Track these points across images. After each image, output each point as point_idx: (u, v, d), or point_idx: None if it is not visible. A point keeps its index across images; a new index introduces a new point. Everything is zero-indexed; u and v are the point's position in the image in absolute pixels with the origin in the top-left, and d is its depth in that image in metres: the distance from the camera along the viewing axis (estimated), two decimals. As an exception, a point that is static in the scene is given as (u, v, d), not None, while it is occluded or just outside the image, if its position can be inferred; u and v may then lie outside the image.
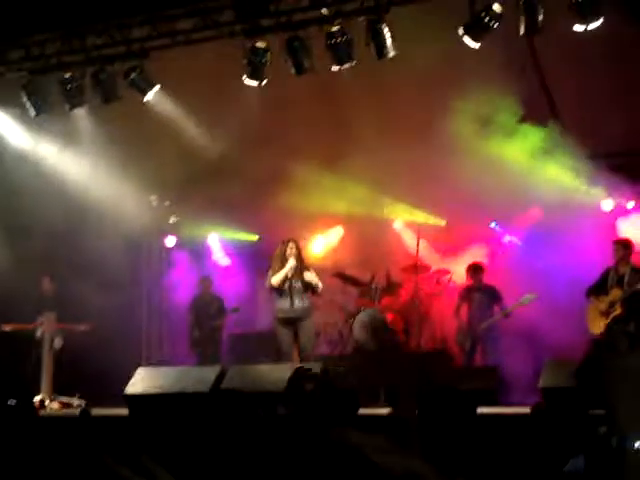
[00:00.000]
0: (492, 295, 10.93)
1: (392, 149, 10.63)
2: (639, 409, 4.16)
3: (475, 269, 11.13)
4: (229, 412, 4.13)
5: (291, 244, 9.76)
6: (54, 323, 10.68)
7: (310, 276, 9.71)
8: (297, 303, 9.67)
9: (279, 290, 9.70)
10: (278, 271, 9.67)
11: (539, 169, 10.86)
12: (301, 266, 9.74)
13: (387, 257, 12.35)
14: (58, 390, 10.47)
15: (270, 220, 12.16)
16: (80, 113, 10.20)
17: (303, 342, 9.64)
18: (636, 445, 4.14)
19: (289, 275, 9.64)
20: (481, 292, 10.96)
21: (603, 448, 4.16)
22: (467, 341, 10.80)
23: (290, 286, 9.67)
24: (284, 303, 9.69)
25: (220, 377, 8.64)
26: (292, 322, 9.67)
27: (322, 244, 13.07)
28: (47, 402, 10.19)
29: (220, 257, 13.86)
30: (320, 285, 9.77)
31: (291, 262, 9.62)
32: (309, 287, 9.71)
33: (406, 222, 12.76)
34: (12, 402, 4.34)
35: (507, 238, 12.21)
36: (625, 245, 9.79)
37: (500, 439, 4.40)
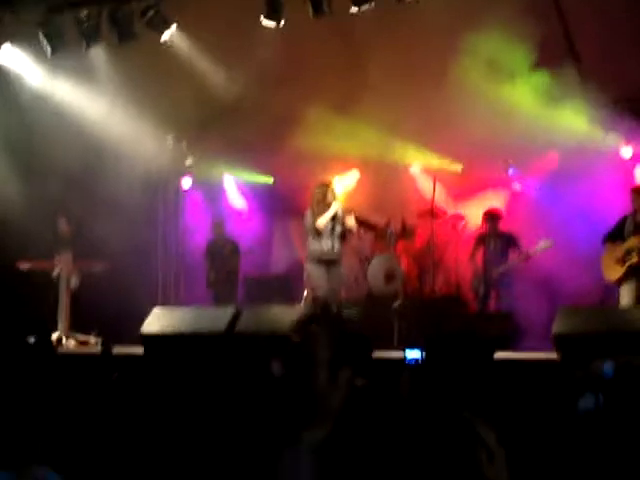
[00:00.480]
0: (508, 241, 10.87)
1: (407, 93, 10.58)
2: None
3: (491, 216, 11.05)
4: (242, 356, 4.17)
5: (332, 187, 9.96)
6: (71, 263, 10.75)
7: (351, 221, 9.86)
8: (337, 246, 9.86)
9: (319, 232, 9.79)
10: (320, 214, 9.75)
11: (555, 114, 10.74)
12: (343, 210, 9.89)
13: (403, 202, 12.30)
14: (75, 328, 10.59)
15: (286, 163, 12.13)
16: (97, 52, 10.14)
17: (336, 285, 9.90)
18: None
19: (333, 218, 9.78)
20: (497, 238, 10.91)
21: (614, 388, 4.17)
22: (481, 286, 10.80)
23: (333, 228, 9.80)
24: (325, 245, 9.81)
25: (235, 318, 8.70)
26: (328, 264, 9.82)
27: (338, 187, 13.03)
28: (64, 340, 10.31)
29: (235, 199, 13.84)
30: (354, 231, 10.05)
31: (336, 205, 9.77)
32: (347, 232, 9.91)
33: (422, 167, 12.69)
34: (31, 340, 4.39)
35: (517, 186, 12.12)
36: (643, 193, 9.70)
37: (514, 385, 4.42)
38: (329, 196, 9.81)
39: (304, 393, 3.34)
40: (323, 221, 9.74)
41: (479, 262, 10.97)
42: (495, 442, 2.52)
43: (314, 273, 9.91)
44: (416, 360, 7.04)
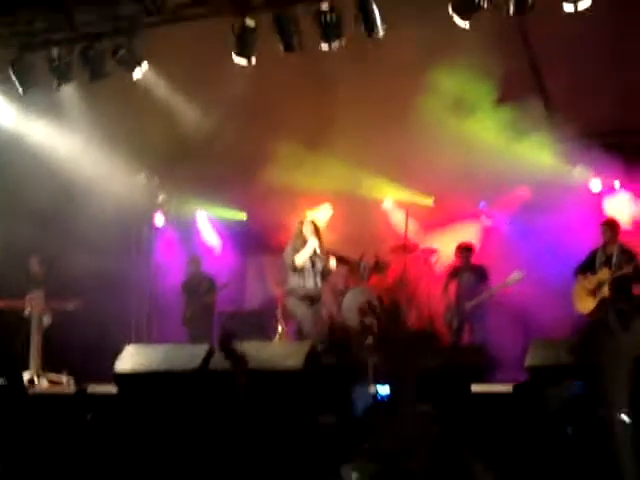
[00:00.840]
0: (481, 274, 10.96)
1: (375, 128, 10.69)
2: (624, 384, 4.23)
3: (464, 249, 11.14)
4: (216, 391, 4.16)
5: (308, 222, 9.84)
6: (42, 301, 10.66)
7: (333, 263, 9.80)
8: (319, 283, 9.79)
9: (303, 269, 9.70)
10: (299, 250, 9.67)
11: (522, 148, 10.87)
12: (322, 247, 9.78)
13: (375, 236, 12.36)
14: (47, 367, 10.48)
15: (258, 198, 12.16)
16: (68, 90, 10.13)
17: (318, 321, 9.87)
18: (622, 416, 4.23)
19: (313, 254, 9.70)
20: (469, 271, 11.00)
21: (590, 419, 4.24)
22: (455, 320, 10.85)
23: (313, 265, 9.72)
24: (307, 282, 9.72)
25: (209, 355, 8.65)
26: (312, 301, 9.72)
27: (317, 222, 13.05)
28: (36, 380, 10.20)
29: (208, 236, 13.84)
30: (333, 271, 9.95)
31: (312, 241, 9.65)
32: (327, 272, 9.83)
33: (394, 201, 12.76)
34: (2, 381, 4.34)
35: (487, 221, 12.22)
36: (612, 226, 9.85)
37: (488, 416, 4.44)
38: (306, 231, 9.73)
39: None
40: (301, 259, 9.65)
41: (452, 295, 11.04)
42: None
43: (297, 310, 9.78)
44: (386, 396, 7.06)
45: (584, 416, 4.23)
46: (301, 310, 9.72)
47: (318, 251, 9.71)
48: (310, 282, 9.70)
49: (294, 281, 9.75)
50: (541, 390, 4.60)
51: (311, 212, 12.43)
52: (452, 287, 11.10)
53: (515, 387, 4.15)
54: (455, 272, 11.12)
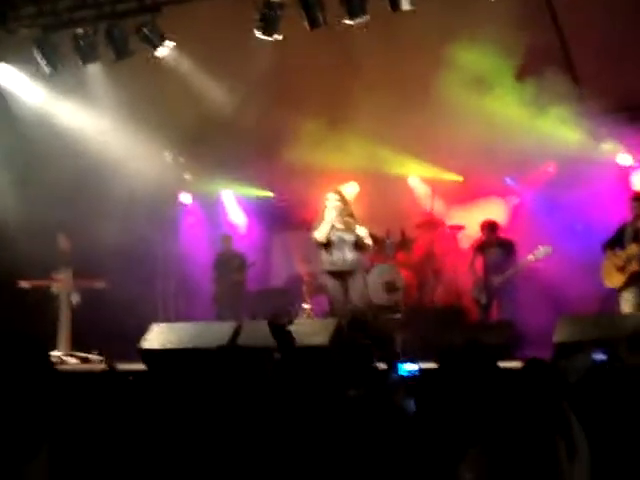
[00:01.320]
0: (508, 249, 10.84)
1: (397, 106, 10.59)
2: None
3: (490, 227, 11.02)
4: (242, 368, 4.16)
5: (331, 195, 9.47)
6: (70, 280, 10.74)
7: (361, 231, 9.37)
8: (349, 257, 9.39)
9: (329, 244, 9.40)
10: (320, 225, 9.40)
11: (548, 124, 10.76)
12: (350, 217, 9.45)
13: (401, 213, 12.32)
14: (76, 346, 10.57)
15: (283, 176, 12.15)
16: (93, 69, 10.15)
17: (354, 298, 9.38)
18: None
19: (335, 227, 9.35)
20: (496, 247, 10.88)
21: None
22: (483, 295, 10.77)
23: (340, 239, 9.39)
24: (334, 256, 9.40)
25: (236, 333, 8.68)
26: (343, 276, 9.42)
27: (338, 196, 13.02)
28: (65, 357, 10.29)
29: (235, 214, 13.87)
30: (369, 243, 9.48)
31: (331, 214, 9.33)
32: (360, 242, 9.38)
33: (420, 177, 12.72)
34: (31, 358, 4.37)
35: (515, 199, 12.14)
36: (644, 200, 9.68)
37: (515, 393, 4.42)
38: (327, 205, 9.39)
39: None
40: (319, 234, 9.37)
41: (479, 271, 10.95)
42: (582, 440, 2.48)
43: (328, 285, 9.53)
44: (414, 373, 7.08)
45: (606, 384, 4.22)
46: (331, 285, 9.48)
47: (339, 225, 9.37)
48: (337, 256, 9.37)
49: (323, 257, 9.49)
50: (556, 362, 4.57)
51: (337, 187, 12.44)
52: (479, 263, 10.99)
53: (527, 362, 4.10)
54: (481, 247, 11.01)
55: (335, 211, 9.35)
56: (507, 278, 10.69)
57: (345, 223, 9.39)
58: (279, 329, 5.87)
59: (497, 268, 10.76)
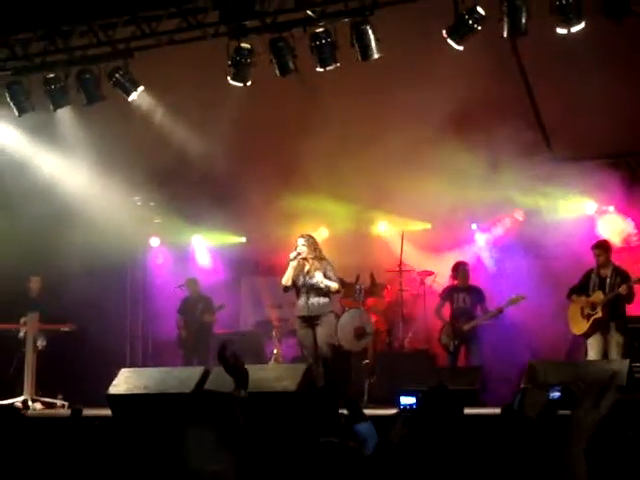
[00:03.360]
0: (477, 295, 10.90)
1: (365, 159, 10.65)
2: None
3: (460, 268, 11.09)
4: (210, 413, 4.14)
5: (299, 240, 9.48)
6: (37, 323, 10.65)
7: (318, 276, 9.36)
8: (312, 300, 9.35)
9: (296, 288, 9.46)
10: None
11: (516, 173, 10.88)
12: (315, 261, 9.41)
13: (371, 258, 12.38)
14: (41, 390, 10.45)
15: (253, 220, 12.16)
16: (64, 112, 10.14)
17: (320, 342, 9.35)
18: None
19: (302, 271, 9.35)
20: (465, 292, 10.94)
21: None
22: (451, 341, 10.79)
23: (304, 283, 9.38)
24: (299, 300, 9.44)
25: (203, 378, 8.63)
26: (310, 320, 9.38)
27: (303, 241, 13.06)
28: (30, 402, 10.17)
29: (203, 258, 13.87)
30: (333, 285, 9.40)
31: (291, 256, 9.36)
32: (324, 288, 9.36)
33: (390, 224, 12.81)
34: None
35: (482, 244, 12.24)
36: (604, 248, 9.78)
37: (481, 439, 4.45)
38: (295, 249, 9.42)
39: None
40: (284, 278, 9.42)
41: (446, 317, 10.99)
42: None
43: (298, 330, 9.58)
44: (410, 406, 7.19)
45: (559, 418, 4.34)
46: (299, 330, 9.52)
47: (305, 269, 9.36)
48: (302, 301, 9.38)
49: (296, 302, 9.58)
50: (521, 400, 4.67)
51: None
52: (446, 308, 11.06)
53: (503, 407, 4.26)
54: (449, 292, 11.07)
55: (296, 254, 9.38)
56: (477, 324, 10.73)
57: (310, 267, 9.41)
58: (228, 361, 5.81)
59: (465, 314, 10.81)
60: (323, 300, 9.43)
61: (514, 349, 10.89)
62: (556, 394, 6.79)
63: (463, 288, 10.97)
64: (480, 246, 12.39)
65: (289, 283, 9.41)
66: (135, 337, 13.67)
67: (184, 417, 4.22)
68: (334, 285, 9.45)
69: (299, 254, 9.35)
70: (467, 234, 12.45)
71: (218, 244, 13.74)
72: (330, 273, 9.46)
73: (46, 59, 9.61)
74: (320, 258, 9.50)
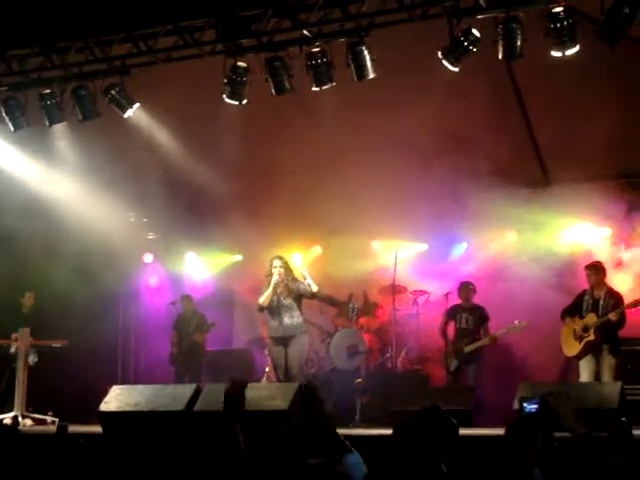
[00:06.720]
0: (479, 316, 10.81)
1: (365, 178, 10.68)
2: None
3: (466, 287, 11.00)
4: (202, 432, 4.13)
5: (275, 262, 9.67)
6: (29, 339, 10.61)
7: (302, 288, 9.61)
8: (286, 320, 9.57)
9: (269, 309, 9.63)
10: (265, 291, 9.63)
11: (512, 195, 10.92)
12: (289, 282, 9.63)
13: (365, 277, 12.37)
14: (32, 406, 10.40)
15: (248, 238, 12.15)
16: (59, 128, 10.13)
17: (289, 361, 9.51)
18: None
19: (277, 292, 9.57)
20: (468, 312, 10.83)
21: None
22: (452, 362, 10.70)
23: (278, 304, 9.59)
24: (273, 321, 9.63)
25: (195, 396, 8.61)
26: (283, 341, 9.58)
27: (300, 263, 13.04)
28: (20, 419, 10.12)
29: (197, 275, 13.85)
30: (313, 288, 9.61)
31: (274, 279, 9.54)
32: (301, 298, 9.64)
33: (384, 243, 12.81)
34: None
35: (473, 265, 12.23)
36: (597, 269, 9.74)
37: (474, 460, 4.45)
38: (272, 271, 9.61)
39: None
40: (262, 299, 9.62)
41: (450, 336, 10.89)
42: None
43: (271, 351, 9.82)
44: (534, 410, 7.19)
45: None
46: (273, 351, 9.78)
47: (279, 290, 9.57)
48: (275, 321, 9.62)
49: (268, 322, 9.77)
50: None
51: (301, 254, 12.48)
52: (450, 328, 10.96)
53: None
54: (453, 312, 10.96)
55: (277, 277, 9.56)
56: (478, 347, 10.64)
57: (285, 288, 9.58)
58: (232, 400, 5.80)
59: (467, 335, 10.71)
60: (297, 321, 9.64)
61: (509, 370, 10.85)
62: (533, 407, 6.84)
63: (466, 308, 10.87)
64: (474, 266, 12.35)
65: (266, 304, 9.62)
66: (127, 353, 13.61)
67: (181, 437, 4.22)
68: (314, 286, 9.64)
69: (280, 276, 9.54)
70: (459, 255, 12.45)
71: (212, 261, 13.72)
72: (306, 285, 9.62)
73: (42, 75, 9.62)
74: (293, 279, 9.73)
